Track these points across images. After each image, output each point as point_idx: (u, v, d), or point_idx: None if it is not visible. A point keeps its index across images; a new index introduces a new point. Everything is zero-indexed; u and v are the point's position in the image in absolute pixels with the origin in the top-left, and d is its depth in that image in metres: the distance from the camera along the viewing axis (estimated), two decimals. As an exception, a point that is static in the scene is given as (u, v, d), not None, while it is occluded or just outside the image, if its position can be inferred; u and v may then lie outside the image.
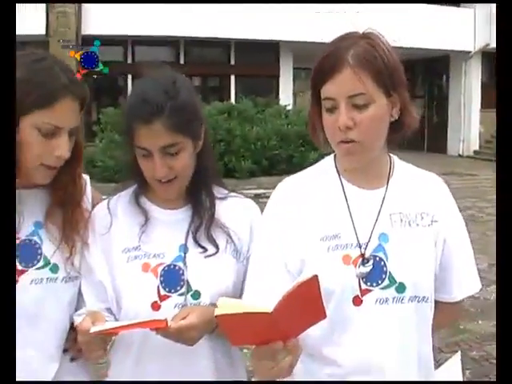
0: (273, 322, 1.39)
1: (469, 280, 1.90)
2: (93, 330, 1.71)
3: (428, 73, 23.05)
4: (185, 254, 1.89)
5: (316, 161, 1.93)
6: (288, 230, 1.77)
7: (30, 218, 1.87)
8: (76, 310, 1.92)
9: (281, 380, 1.58)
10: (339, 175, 1.82)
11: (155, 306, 1.84)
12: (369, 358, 1.71)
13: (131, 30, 15.98)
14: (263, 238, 1.84)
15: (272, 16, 16.70)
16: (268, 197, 1.88)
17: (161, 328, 1.71)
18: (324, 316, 1.47)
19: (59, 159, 1.81)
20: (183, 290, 1.85)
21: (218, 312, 1.40)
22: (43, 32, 15.37)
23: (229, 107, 15.99)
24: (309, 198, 1.80)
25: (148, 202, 1.95)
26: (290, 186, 1.86)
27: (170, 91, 1.81)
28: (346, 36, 1.73)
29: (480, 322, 5.59)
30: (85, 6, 15.80)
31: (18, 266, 1.82)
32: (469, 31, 19.48)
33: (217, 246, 1.91)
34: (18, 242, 1.84)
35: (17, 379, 1.80)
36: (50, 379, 1.87)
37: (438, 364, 2.00)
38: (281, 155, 15.31)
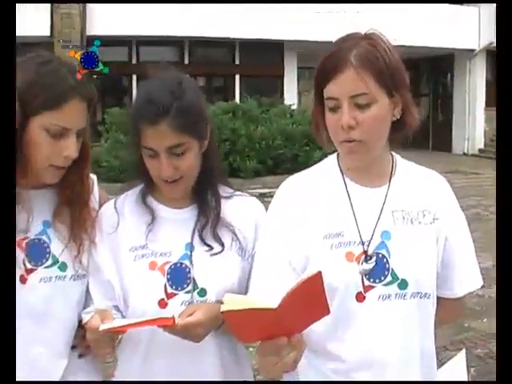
0: (277, 317, 1.41)
1: (470, 276, 1.92)
2: (101, 327, 1.74)
3: (433, 71, 23.01)
4: (191, 252, 1.91)
5: (321, 160, 1.95)
6: (292, 227, 1.80)
7: (39, 218, 1.90)
8: (84, 307, 1.94)
9: (281, 380, 1.61)
10: (342, 174, 1.84)
11: (162, 304, 1.86)
12: (372, 353, 1.73)
13: (136, 31, 16.00)
14: (267, 237, 1.86)
15: (276, 16, 16.70)
16: (273, 196, 1.90)
17: (168, 325, 1.74)
18: (328, 312, 1.50)
19: (67, 159, 1.84)
20: (190, 287, 1.88)
21: (223, 308, 1.42)
22: (48, 33, 15.40)
23: (233, 107, 15.99)
24: (312, 197, 1.82)
25: (154, 202, 1.98)
26: (293, 185, 1.88)
27: (175, 92, 1.83)
28: (348, 37, 1.75)
29: (485, 320, 5.60)
30: (89, 6, 15.81)
31: (28, 265, 1.86)
32: (473, 29, 19.44)
33: (222, 245, 1.93)
34: (27, 241, 1.87)
35: (26, 376, 1.85)
36: (59, 375, 1.90)
37: (443, 362, 2.02)
38: (286, 155, 15.30)
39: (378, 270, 1.74)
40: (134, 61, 17.95)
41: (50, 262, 1.89)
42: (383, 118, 1.72)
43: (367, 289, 1.73)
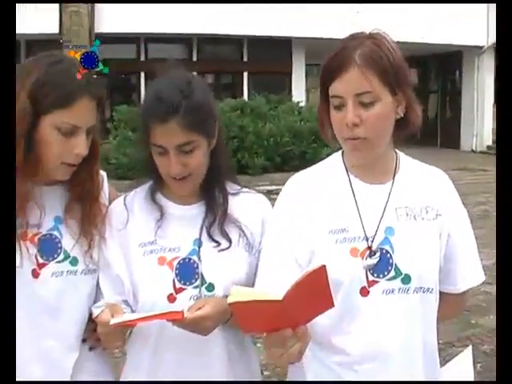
0: (282, 309, 1.44)
1: (472, 272, 1.95)
2: (112, 322, 1.77)
3: (441, 68, 22.91)
4: (199, 248, 1.94)
5: (328, 157, 1.98)
6: (298, 223, 1.83)
7: (51, 214, 1.93)
8: (95, 301, 1.97)
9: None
10: (347, 171, 1.88)
11: (171, 298, 1.89)
12: (376, 346, 1.77)
13: (144, 28, 15.98)
14: (273, 233, 1.90)
15: (284, 13, 16.66)
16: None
17: (177, 319, 1.77)
18: (332, 305, 1.53)
19: (78, 157, 1.87)
20: (198, 282, 1.91)
21: (230, 300, 1.45)
22: (57, 31, 15.43)
23: (242, 104, 15.94)
24: (317, 193, 1.86)
25: (163, 198, 2.00)
26: (299, 182, 1.92)
27: (185, 91, 1.86)
28: (353, 36, 1.78)
29: (491, 316, 5.59)
30: (98, 4, 15.85)
31: (40, 260, 1.89)
32: (482, 26, 19.35)
33: (230, 241, 1.96)
34: (39, 236, 1.90)
35: (38, 369, 1.89)
36: (70, 368, 1.94)
37: (449, 359, 2.04)
38: (294, 151, 15.25)
39: (381, 265, 1.77)
40: (142, 58, 17.94)
41: (61, 256, 1.93)
42: (387, 116, 1.75)
43: (371, 283, 1.77)
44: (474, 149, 20.68)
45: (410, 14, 17.25)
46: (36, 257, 1.89)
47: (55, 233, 1.94)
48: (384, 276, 1.77)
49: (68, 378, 1.93)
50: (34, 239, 1.90)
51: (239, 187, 2.08)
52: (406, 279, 1.77)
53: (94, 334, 1.93)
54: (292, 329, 1.50)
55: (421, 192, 1.87)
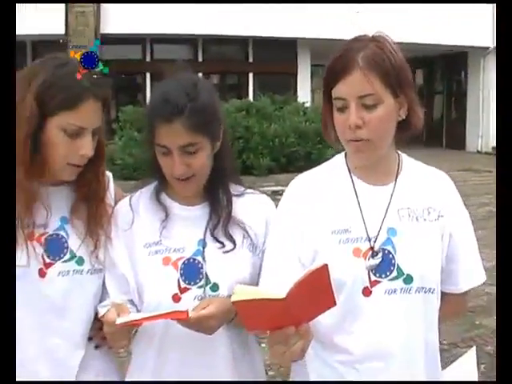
0: (285, 307, 1.46)
1: (474, 272, 1.97)
2: (118, 321, 1.79)
3: (447, 69, 22.88)
4: (203, 248, 1.96)
5: (333, 158, 2.00)
6: (301, 224, 1.85)
7: (57, 214, 1.95)
8: (100, 301, 1.99)
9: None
10: (350, 172, 1.89)
11: (176, 298, 1.91)
12: (378, 345, 1.79)
13: (149, 29, 16.00)
14: (277, 233, 1.92)
15: (290, 13, 16.66)
16: (286, 194, 1.95)
17: (182, 318, 1.79)
18: (334, 303, 1.55)
19: (84, 158, 1.90)
20: (202, 282, 1.93)
21: (234, 298, 1.47)
22: (62, 31, 15.47)
23: (247, 105, 15.95)
24: (321, 194, 1.88)
25: (168, 199, 2.02)
26: (302, 183, 1.94)
27: (190, 93, 1.88)
28: (356, 38, 1.80)
29: (495, 317, 5.60)
30: (103, 4, 15.88)
31: (46, 259, 1.91)
32: (487, 27, 19.32)
33: (234, 242, 1.98)
34: (45, 236, 1.93)
35: (45, 367, 1.91)
36: (75, 366, 1.96)
37: (453, 359, 2.05)
38: (299, 152, 15.25)
39: (384, 265, 1.79)
40: (147, 59, 17.97)
41: (67, 256, 1.94)
42: (389, 118, 1.77)
43: (373, 283, 1.78)
44: (479, 150, 20.64)
45: (415, 14, 17.25)
46: (43, 256, 1.91)
47: (61, 233, 1.96)
48: (386, 276, 1.79)
49: (74, 376, 1.96)
50: (41, 239, 1.92)
51: (243, 188, 2.10)
52: (408, 279, 1.79)
53: (99, 333, 1.95)
54: (295, 327, 1.52)
55: (423, 193, 1.89)
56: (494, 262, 1.93)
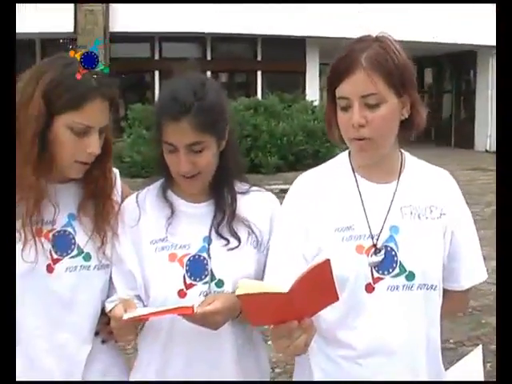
0: (288, 301, 1.48)
1: (475, 270, 1.98)
2: (125, 316, 1.81)
3: (455, 68, 22.79)
4: (209, 245, 1.99)
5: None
6: (305, 221, 1.87)
7: (65, 211, 1.98)
8: (107, 296, 2.02)
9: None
10: (353, 171, 1.92)
11: (181, 294, 1.93)
12: (381, 340, 1.81)
13: (158, 27, 16.02)
14: (281, 230, 1.94)
15: (298, 12, 16.66)
16: (294, 192, 1.97)
17: (187, 314, 1.81)
18: (337, 298, 1.57)
19: (91, 155, 1.92)
20: (207, 278, 1.95)
21: (238, 292, 1.50)
22: (71, 30, 15.52)
23: (255, 103, 15.95)
24: (325, 192, 1.90)
25: (174, 196, 2.05)
26: (306, 181, 1.96)
27: (198, 92, 1.90)
28: (360, 39, 1.82)
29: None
30: (112, 3, 15.92)
31: (54, 255, 1.94)
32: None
33: (239, 239, 2.00)
34: (53, 232, 1.95)
35: (53, 361, 1.94)
36: (83, 360, 1.98)
37: (459, 357, 2.07)
38: (307, 151, 15.23)
39: (386, 262, 1.81)
40: (156, 57, 17.99)
41: (75, 252, 1.97)
42: (392, 117, 1.79)
43: (376, 280, 1.80)
44: (487, 149, 20.56)
45: (424, 13, 17.21)
46: (50, 252, 1.93)
47: (69, 229, 1.98)
48: (389, 273, 1.81)
49: (81, 370, 1.98)
50: (49, 235, 1.94)
51: (248, 186, 2.12)
52: (410, 276, 1.81)
53: (106, 328, 1.98)
54: (298, 321, 1.54)
55: (425, 191, 1.91)
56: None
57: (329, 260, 1.49)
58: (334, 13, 16.73)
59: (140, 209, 2.05)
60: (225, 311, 1.86)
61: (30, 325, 1.90)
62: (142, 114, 13.94)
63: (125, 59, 16.59)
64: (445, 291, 1.91)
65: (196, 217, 2.02)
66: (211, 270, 1.96)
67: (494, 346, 4.92)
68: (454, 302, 1.99)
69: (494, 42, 18.48)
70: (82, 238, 1.99)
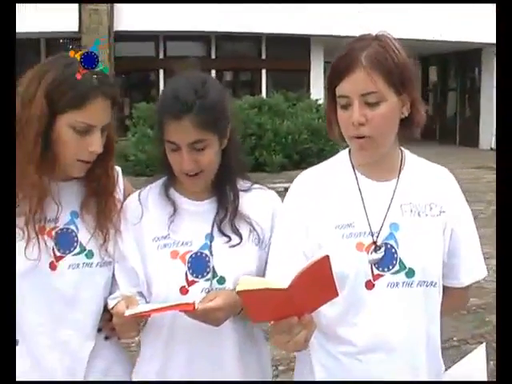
0: (288, 297, 1.50)
1: (475, 267, 1.99)
2: (127, 313, 1.83)
3: (460, 66, 22.74)
4: (211, 242, 2.00)
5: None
6: (306, 219, 1.88)
7: (67, 208, 1.99)
8: (110, 293, 2.03)
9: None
10: (353, 168, 1.93)
11: (183, 291, 1.95)
12: (381, 337, 1.82)
13: (162, 26, 16.03)
14: (282, 227, 1.95)
15: (303, 11, 16.64)
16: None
17: (189, 310, 1.83)
18: (336, 294, 1.58)
19: (93, 154, 1.93)
20: (209, 275, 1.96)
21: (239, 288, 1.51)
22: (76, 29, 15.54)
23: (260, 101, 15.93)
24: (325, 190, 1.91)
25: (176, 194, 2.06)
26: (307, 178, 1.98)
27: (199, 91, 1.92)
28: (360, 38, 1.83)
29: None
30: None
31: (57, 253, 1.95)
32: (501, 24, 19.19)
33: (240, 237, 2.02)
34: (56, 230, 1.97)
35: (57, 357, 1.95)
36: (86, 356, 2.00)
37: (463, 355, 2.08)
38: (311, 149, 15.21)
39: (386, 259, 1.82)
40: (161, 56, 18.00)
41: (77, 249, 1.98)
42: (391, 116, 1.80)
43: (376, 277, 1.82)
44: (492, 147, 20.50)
45: (429, 12, 17.18)
46: (53, 250, 1.95)
47: (72, 227, 2.00)
48: (389, 270, 1.82)
49: (84, 367, 2.00)
50: (52, 233, 1.96)
51: (250, 184, 2.13)
52: (410, 273, 1.82)
53: (109, 324, 1.99)
54: (298, 317, 1.55)
55: (425, 189, 1.92)
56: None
57: (328, 256, 1.50)
58: (339, 12, 16.71)
59: (142, 206, 2.06)
60: (226, 308, 1.87)
61: (32, 322, 1.92)
62: (147, 113, 13.93)
63: (129, 58, 16.63)
64: (445, 288, 1.92)
65: (198, 214, 2.04)
66: (213, 267, 1.97)
67: (497, 344, 4.94)
68: (453, 299, 2.00)
69: (498, 41, 18.59)
70: (84, 235, 2.00)
